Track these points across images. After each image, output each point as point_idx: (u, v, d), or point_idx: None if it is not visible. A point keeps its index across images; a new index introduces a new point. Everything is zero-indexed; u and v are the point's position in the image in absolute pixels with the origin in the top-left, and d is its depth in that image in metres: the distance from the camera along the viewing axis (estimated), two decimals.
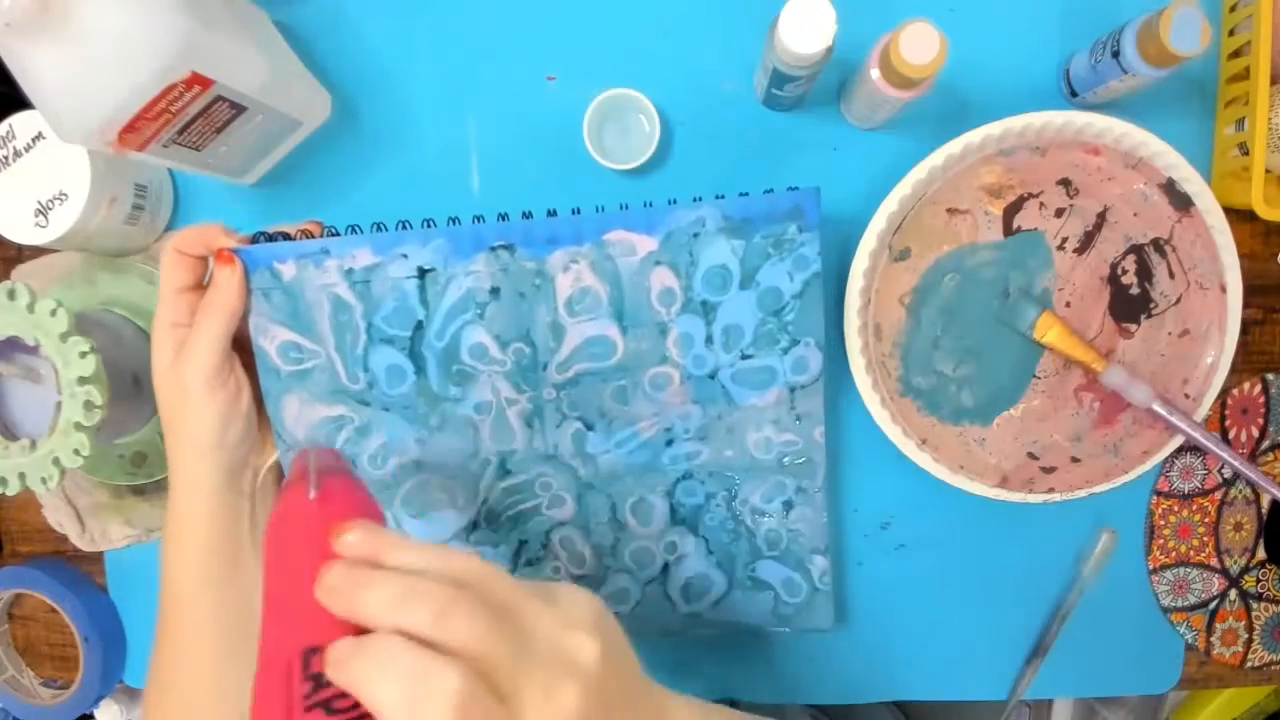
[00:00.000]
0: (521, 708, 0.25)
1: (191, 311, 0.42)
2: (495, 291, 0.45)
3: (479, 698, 0.24)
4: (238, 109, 0.45)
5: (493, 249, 0.44)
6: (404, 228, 0.45)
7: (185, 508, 0.42)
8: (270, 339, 0.45)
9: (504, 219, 0.45)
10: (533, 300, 0.46)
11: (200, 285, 0.43)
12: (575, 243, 0.45)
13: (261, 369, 0.46)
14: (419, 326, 0.46)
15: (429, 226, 0.45)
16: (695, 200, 0.44)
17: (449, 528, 0.52)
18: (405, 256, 0.44)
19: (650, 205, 0.45)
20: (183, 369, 0.41)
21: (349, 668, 0.25)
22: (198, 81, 0.41)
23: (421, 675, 0.24)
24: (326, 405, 0.47)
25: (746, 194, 0.44)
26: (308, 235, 0.44)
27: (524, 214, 0.45)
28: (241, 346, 0.45)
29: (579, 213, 0.45)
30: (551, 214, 0.45)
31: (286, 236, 0.43)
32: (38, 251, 0.56)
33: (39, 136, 0.51)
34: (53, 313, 0.46)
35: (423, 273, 0.45)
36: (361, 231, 0.44)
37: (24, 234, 0.51)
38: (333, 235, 0.44)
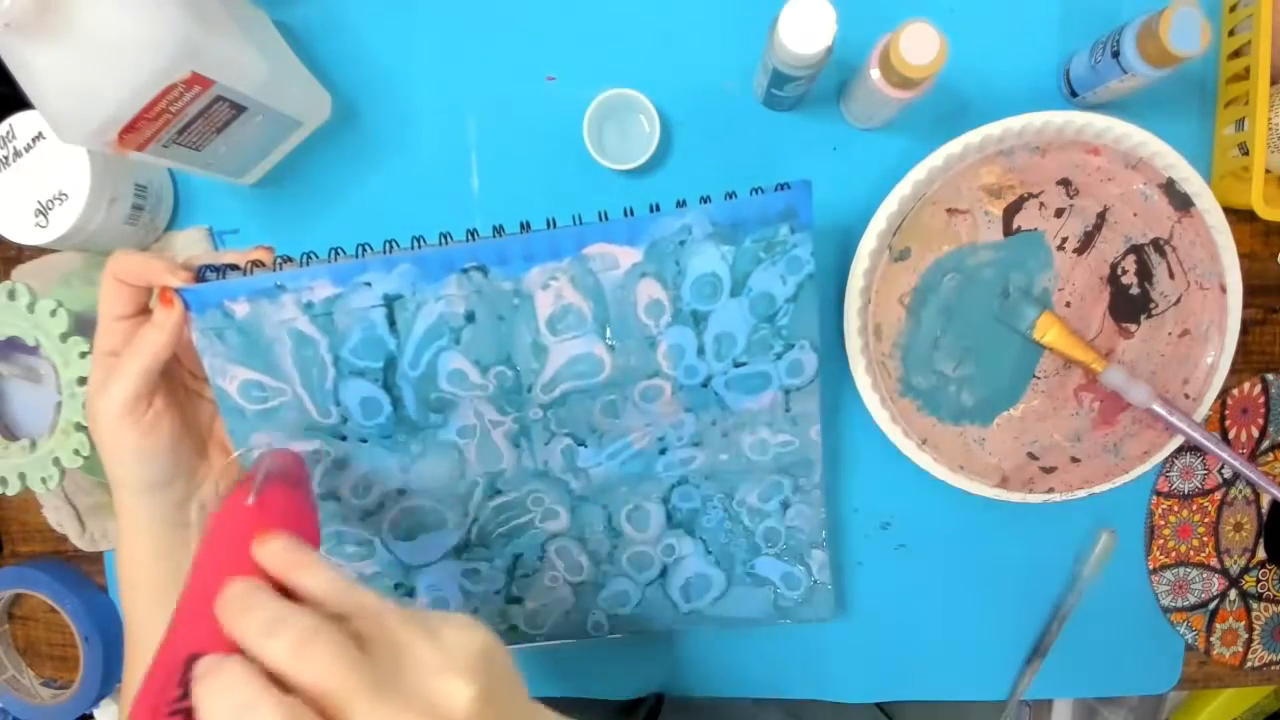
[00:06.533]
0: None
1: (127, 340, 0.40)
2: (470, 316, 0.43)
3: None
4: (238, 109, 0.45)
5: (464, 271, 0.42)
6: (364, 251, 0.42)
7: (128, 546, 0.41)
8: (229, 379, 0.42)
9: (473, 236, 0.43)
10: (512, 322, 0.43)
11: (143, 310, 0.41)
12: (553, 258, 0.42)
13: (224, 410, 0.43)
14: (391, 357, 0.43)
15: (390, 249, 0.42)
16: (679, 205, 0.42)
17: (439, 549, 0.51)
18: (369, 285, 0.41)
19: (631, 213, 0.42)
20: (96, 403, 0.39)
21: (198, 686, 0.26)
22: (198, 82, 0.41)
23: (246, 709, 0.24)
24: (299, 442, 0.45)
25: (734, 194, 0.42)
26: (258, 265, 0.41)
27: (494, 229, 0.42)
28: (195, 377, 0.43)
29: (554, 225, 0.42)
30: (524, 227, 0.43)
31: (235, 268, 0.41)
32: (38, 251, 0.56)
33: (39, 136, 0.51)
34: (53, 313, 0.46)
35: (390, 300, 0.42)
36: (317, 258, 0.42)
37: (24, 234, 0.51)
38: (284, 263, 0.42)
